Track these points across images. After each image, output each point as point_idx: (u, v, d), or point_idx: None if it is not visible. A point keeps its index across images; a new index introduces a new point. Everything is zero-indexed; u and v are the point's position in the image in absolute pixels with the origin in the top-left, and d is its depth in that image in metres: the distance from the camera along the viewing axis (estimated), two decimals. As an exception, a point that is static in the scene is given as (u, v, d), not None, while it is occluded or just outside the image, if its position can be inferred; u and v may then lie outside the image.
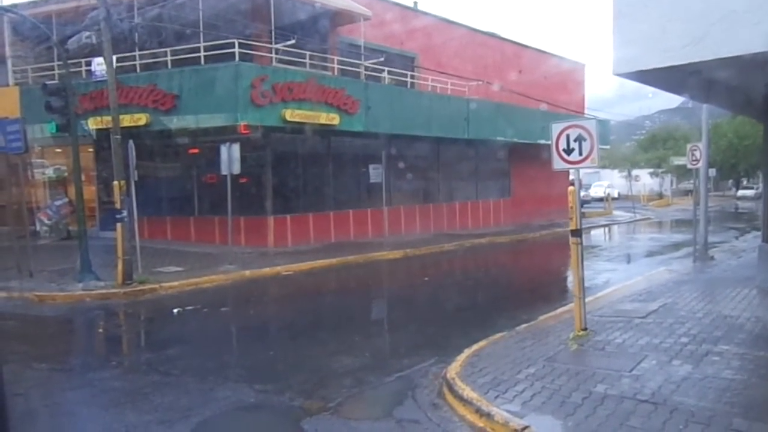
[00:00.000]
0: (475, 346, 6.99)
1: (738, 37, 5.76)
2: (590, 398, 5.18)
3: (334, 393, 5.95)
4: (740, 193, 53.24)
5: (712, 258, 13.72)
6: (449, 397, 5.65)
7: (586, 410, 4.95)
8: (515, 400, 5.26)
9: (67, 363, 7.53)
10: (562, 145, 7.23)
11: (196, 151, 17.84)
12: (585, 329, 7.17)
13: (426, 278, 14.09)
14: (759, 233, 21.37)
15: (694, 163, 13.74)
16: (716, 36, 5.89)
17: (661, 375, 5.65)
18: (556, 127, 7.29)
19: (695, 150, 13.69)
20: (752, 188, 54.64)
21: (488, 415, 5.03)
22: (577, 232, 7.02)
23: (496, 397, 5.35)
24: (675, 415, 4.75)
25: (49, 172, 19.90)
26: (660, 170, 53.55)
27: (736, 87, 8.46)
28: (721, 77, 7.56)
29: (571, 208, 7.10)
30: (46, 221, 17.89)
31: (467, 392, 5.47)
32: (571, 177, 28.95)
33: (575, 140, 7.13)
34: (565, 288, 12.59)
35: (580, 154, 7.12)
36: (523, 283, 13.82)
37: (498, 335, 7.49)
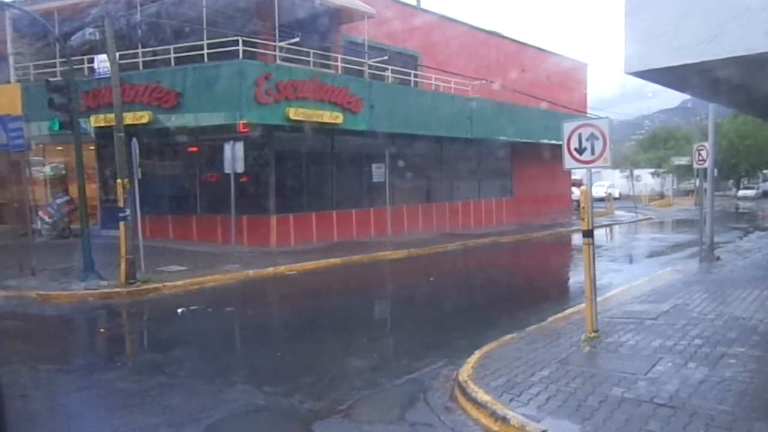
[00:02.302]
0: (485, 348, 6.90)
1: (753, 34, 5.66)
2: (607, 402, 5.10)
3: (344, 395, 5.86)
4: (741, 193, 53.12)
5: (718, 258, 13.62)
6: (462, 400, 5.56)
7: (604, 414, 4.86)
8: (530, 403, 5.17)
9: (71, 363, 7.42)
10: (574, 144, 7.15)
11: (198, 149, 17.76)
12: (596, 331, 7.08)
13: (431, 278, 13.99)
14: (763, 233, 21.40)
15: (701, 162, 13.64)
16: (731, 34, 5.79)
17: (678, 378, 5.56)
18: (568, 126, 7.21)
19: (702, 150, 13.59)
20: (753, 188, 54.58)
21: (504, 419, 4.94)
22: (589, 233, 6.93)
23: (511, 400, 5.26)
24: (695, 419, 4.66)
25: (47, 170, 19.81)
26: (661, 170, 53.48)
27: (749, 86, 8.36)
28: (735, 76, 7.47)
29: (583, 208, 7.02)
30: (47, 219, 17.77)
31: (481, 395, 5.38)
32: (573, 177, 28.76)
33: (587, 139, 7.06)
34: (571, 289, 12.53)
35: (593, 153, 7.04)
36: (528, 284, 13.73)
37: (508, 336, 7.40)
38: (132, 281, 11.38)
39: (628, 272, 13.72)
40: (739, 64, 6.20)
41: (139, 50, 15.97)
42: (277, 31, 16.31)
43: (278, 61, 16.11)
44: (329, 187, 18.72)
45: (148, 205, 13.98)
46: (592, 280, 6.96)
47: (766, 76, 7.53)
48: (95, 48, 14.49)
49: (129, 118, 14.34)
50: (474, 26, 25.03)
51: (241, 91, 14.70)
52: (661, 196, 51.29)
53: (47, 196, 19.02)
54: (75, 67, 13.54)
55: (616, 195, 46.52)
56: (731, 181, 57.42)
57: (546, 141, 22.99)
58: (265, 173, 16.78)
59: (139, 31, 15.17)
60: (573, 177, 29.74)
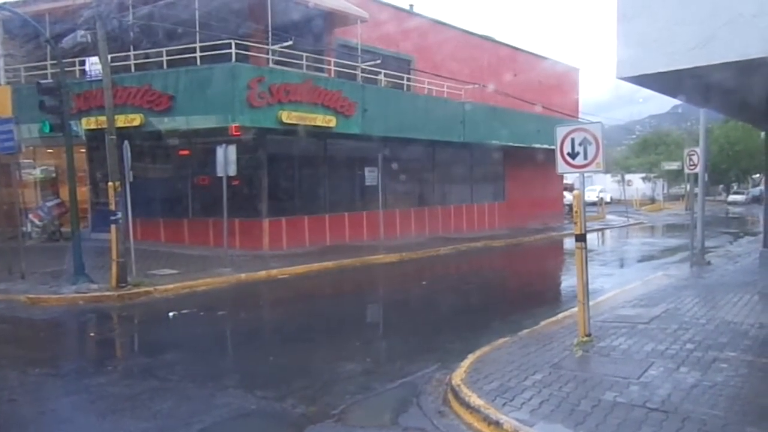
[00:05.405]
0: (478, 352, 6.90)
1: (745, 40, 5.71)
2: (599, 406, 5.10)
3: (337, 399, 5.84)
4: (731, 198, 53.42)
5: (709, 263, 13.69)
6: (455, 404, 5.55)
7: (596, 418, 4.86)
8: (523, 407, 5.17)
9: (61, 368, 7.35)
10: (567, 148, 7.17)
11: (190, 152, 17.67)
12: (589, 335, 7.09)
13: (423, 282, 13.99)
14: (753, 238, 21.51)
15: (692, 167, 13.71)
16: (723, 39, 5.84)
17: (670, 382, 5.57)
18: (560, 131, 7.23)
19: (693, 154, 13.67)
20: (743, 193, 54.93)
21: (497, 424, 4.93)
22: (581, 237, 6.94)
23: (504, 404, 5.25)
24: (687, 424, 4.67)
25: (37, 172, 19.67)
26: (652, 175, 53.79)
27: (740, 91, 8.42)
28: (726, 81, 7.53)
29: (576, 212, 7.03)
30: (38, 222, 17.64)
31: (474, 399, 5.37)
32: (565, 181, 28.67)
33: (580, 144, 7.08)
34: (563, 293, 12.55)
35: (585, 157, 7.06)
36: (521, 288, 13.75)
37: (501, 340, 7.39)
38: (123, 285, 11.30)
39: (619, 276, 13.78)
40: (731, 69, 6.25)
41: (131, 52, 15.88)
42: (270, 34, 16.29)
43: (271, 64, 16.08)
44: (322, 190, 18.68)
45: (139, 208, 13.89)
46: (585, 284, 6.97)
47: (757, 81, 7.59)
48: (86, 50, 14.36)
49: (120, 120, 14.24)
50: (467, 30, 25.06)
51: (234, 94, 14.65)
52: (652, 200, 51.56)
53: (37, 199, 18.89)
54: (66, 69, 13.45)
55: (608, 199, 46.70)
56: (721, 186, 57.83)
57: (538, 145, 23.06)
58: (257, 176, 16.73)
59: (131, 33, 15.10)
60: (565, 181, 29.86)
